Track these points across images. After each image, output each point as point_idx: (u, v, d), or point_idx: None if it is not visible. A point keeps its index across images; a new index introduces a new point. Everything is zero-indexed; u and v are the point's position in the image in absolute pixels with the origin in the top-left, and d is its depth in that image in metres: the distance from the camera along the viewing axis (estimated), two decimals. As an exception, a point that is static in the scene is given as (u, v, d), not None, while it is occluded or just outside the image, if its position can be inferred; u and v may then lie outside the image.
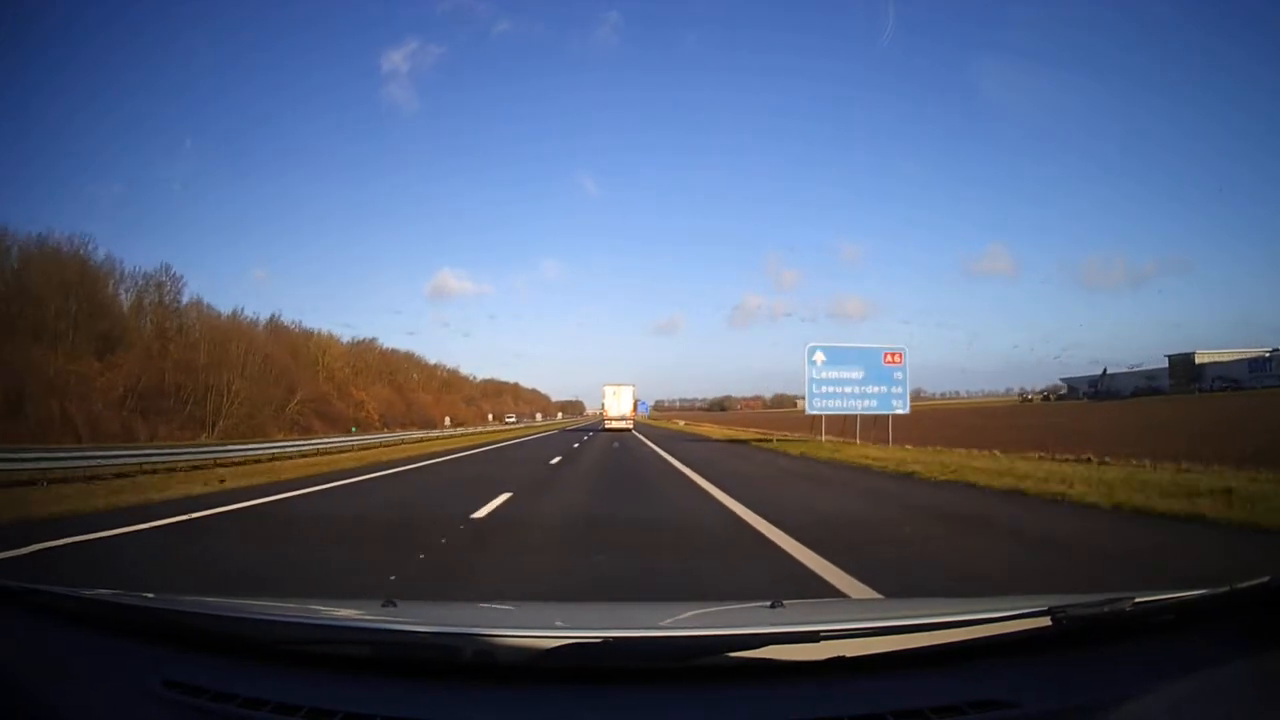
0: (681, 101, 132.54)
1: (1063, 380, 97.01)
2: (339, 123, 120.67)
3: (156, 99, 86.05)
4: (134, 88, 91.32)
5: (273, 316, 60.39)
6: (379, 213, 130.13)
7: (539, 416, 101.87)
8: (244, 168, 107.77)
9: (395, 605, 1.77)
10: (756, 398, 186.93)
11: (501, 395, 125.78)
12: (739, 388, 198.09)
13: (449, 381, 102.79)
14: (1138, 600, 1.40)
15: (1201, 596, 1.43)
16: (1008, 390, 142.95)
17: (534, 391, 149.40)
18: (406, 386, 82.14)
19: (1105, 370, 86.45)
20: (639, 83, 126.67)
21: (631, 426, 51.43)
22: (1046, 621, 1.35)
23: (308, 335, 65.66)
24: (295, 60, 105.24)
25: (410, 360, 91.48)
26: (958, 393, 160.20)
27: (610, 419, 52.31)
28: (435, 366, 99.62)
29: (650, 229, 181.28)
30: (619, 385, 54.92)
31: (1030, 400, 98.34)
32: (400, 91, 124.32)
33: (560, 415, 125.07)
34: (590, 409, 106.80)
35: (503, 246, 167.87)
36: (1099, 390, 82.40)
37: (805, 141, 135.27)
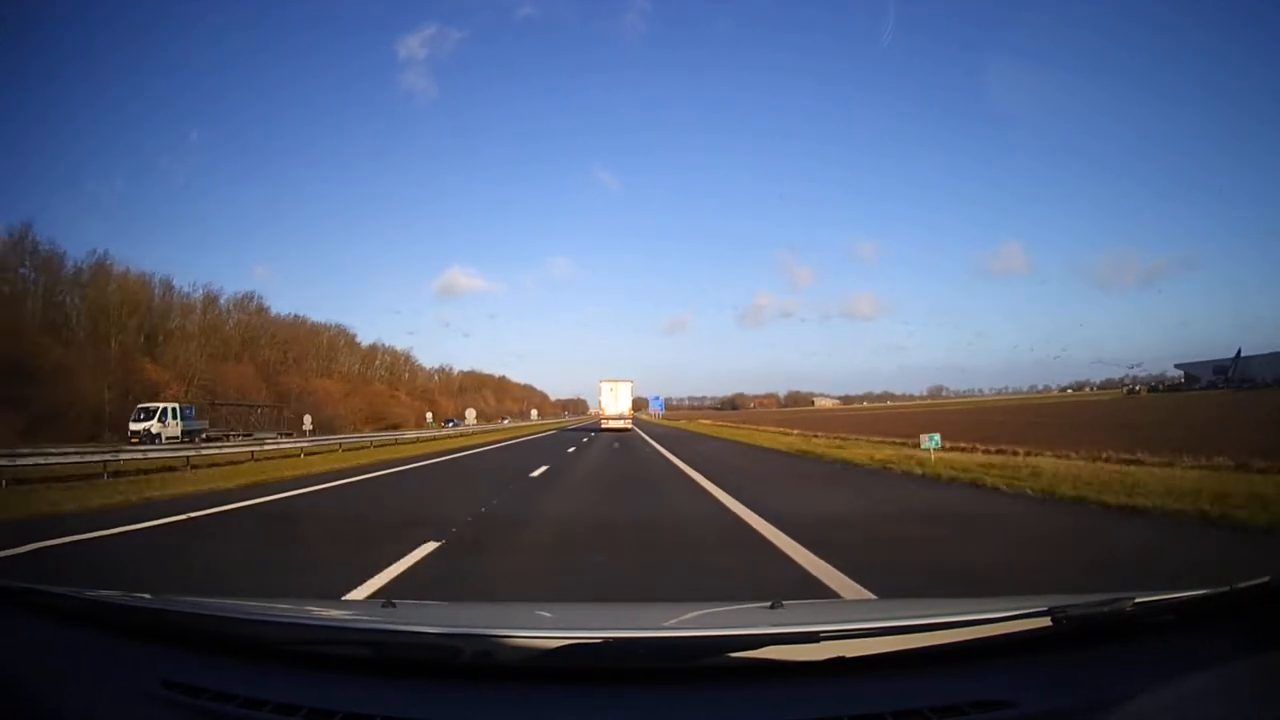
0: (698, 100, 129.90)
1: (1178, 367, 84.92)
2: (348, 118, 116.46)
3: (161, 93, 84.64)
4: (138, 81, 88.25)
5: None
6: (388, 209, 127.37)
7: (469, 416, 55.89)
8: (248, 164, 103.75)
9: (395, 606, 1.76)
10: (770, 395, 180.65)
11: (482, 390, 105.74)
12: (748, 386, 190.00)
13: (396, 368, 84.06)
14: (1138, 600, 1.40)
15: (1201, 596, 1.42)
16: (1031, 387, 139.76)
17: (527, 388, 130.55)
18: (297, 370, 60.84)
19: (1240, 352, 71.59)
20: (661, 80, 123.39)
21: (631, 425, 47.92)
22: (1046, 622, 1.34)
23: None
24: (303, 50, 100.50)
25: (320, 334, 70.03)
26: (980, 390, 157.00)
27: (607, 418, 48.24)
28: (374, 348, 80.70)
29: (657, 228, 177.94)
30: (616, 381, 49.89)
31: (1138, 393, 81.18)
32: (417, 80, 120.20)
33: (535, 414, 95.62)
34: (593, 408, 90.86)
35: (512, 243, 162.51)
36: (1230, 378, 64.99)
37: (814, 141, 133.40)
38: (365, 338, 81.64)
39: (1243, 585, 1.39)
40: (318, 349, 69.88)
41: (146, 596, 1.78)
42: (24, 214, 67.39)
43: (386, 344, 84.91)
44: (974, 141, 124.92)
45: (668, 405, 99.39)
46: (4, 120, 64.63)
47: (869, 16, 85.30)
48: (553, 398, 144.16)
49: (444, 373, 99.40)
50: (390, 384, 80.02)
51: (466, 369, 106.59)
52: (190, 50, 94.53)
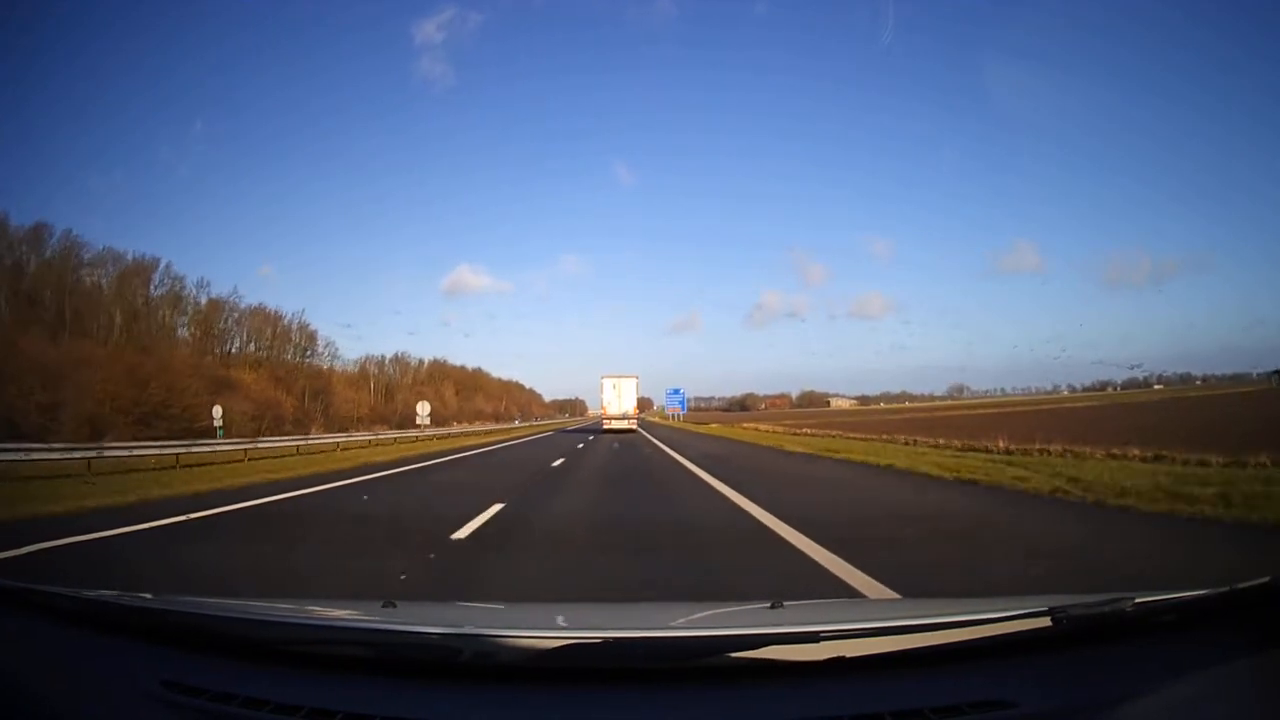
0: (717, 100, 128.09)
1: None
2: (352, 114, 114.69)
3: (163, 85, 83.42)
4: (138, 73, 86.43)
5: None
6: (396, 206, 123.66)
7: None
8: (253, 158, 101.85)
9: (395, 606, 1.76)
10: (782, 395, 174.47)
11: (440, 383, 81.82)
12: (759, 386, 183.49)
13: (278, 343, 57.70)
14: (1138, 600, 1.40)
15: (1202, 597, 1.43)
16: (1055, 387, 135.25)
17: (511, 385, 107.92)
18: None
19: None
20: (681, 77, 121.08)
21: (635, 426, 44.28)
22: (1047, 622, 1.35)
23: None
24: (311, 37, 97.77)
25: (97, 266, 45.09)
26: (1002, 389, 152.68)
27: (609, 418, 44.24)
28: (220, 303, 53.05)
29: (668, 227, 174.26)
30: (620, 377, 45.25)
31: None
32: (433, 66, 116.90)
33: (423, 411, 39.57)
34: (592, 409, 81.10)
35: (522, 241, 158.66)
36: None
37: (827, 141, 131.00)
38: (368, 338, 66.89)
39: (1243, 586, 1.39)
40: (64, 289, 43.34)
41: (146, 596, 1.77)
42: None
43: (252, 301, 56.77)
44: (984, 143, 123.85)
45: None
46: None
47: (873, 17, 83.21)
48: (547, 398, 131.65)
49: (400, 360, 77.08)
50: (247, 364, 53.28)
51: (431, 358, 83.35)
52: (194, 42, 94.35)
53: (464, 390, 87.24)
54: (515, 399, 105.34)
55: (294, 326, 60.10)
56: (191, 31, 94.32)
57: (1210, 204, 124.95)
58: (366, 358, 72.09)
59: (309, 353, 60.93)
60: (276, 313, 58.71)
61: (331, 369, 62.01)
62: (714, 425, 55.62)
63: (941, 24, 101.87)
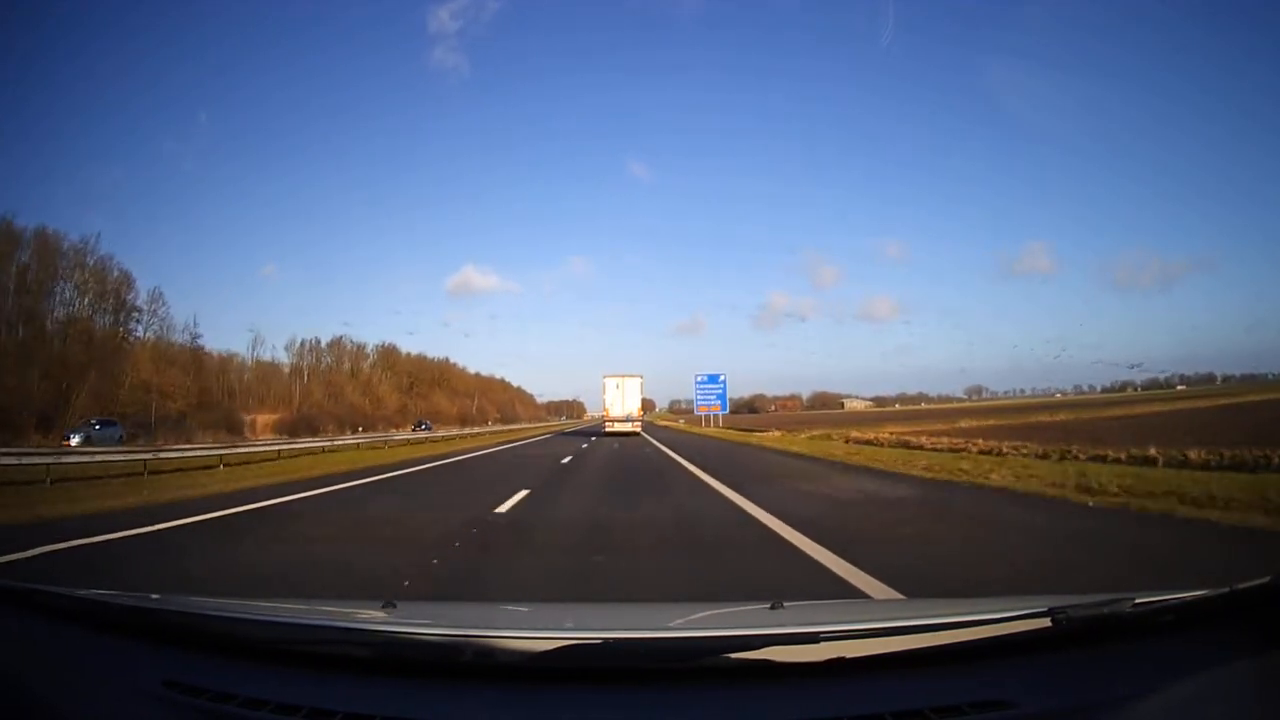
0: (730, 101, 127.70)
1: None
2: (362, 111, 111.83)
3: (166, 80, 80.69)
4: (138, 69, 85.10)
5: None
6: (403, 205, 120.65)
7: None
8: (257, 158, 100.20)
9: (395, 606, 1.77)
10: (793, 397, 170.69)
11: (381, 374, 67.86)
12: (768, 388, 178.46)
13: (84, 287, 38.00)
14: (1138, 601, 1.40)
15: (1202, 597, 1.42)
16: (1075, 387, 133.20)
17: (493, 382, 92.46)
18: None
19: None
20: (695, 81, 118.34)
21: (639, 429, 41.47)
22: (1046, 622, 1.35)
23: None
24: (314, 36, 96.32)
25: None
26: (1021, 390, 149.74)
27: (612, 419, 41.50)
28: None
29: (676, 228, 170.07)
30: (623, 376, 42.04)
31: None
32: (445, 57, 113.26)
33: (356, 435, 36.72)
34: (591, 412, 75.34)
35: (529, 241, 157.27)
36: None
37: (834, 145, 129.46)
38: (370, 340, 62.90)
39: (1243, 586, 1.38)
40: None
41: (148, 596, 1.78)
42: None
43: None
44: (992, 145, 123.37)
45: (677, 409, 57.55)
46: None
47: (869, 17, 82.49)
48: (546, 399, 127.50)
49: (338, 346, 62.31)
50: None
51: (378, 343, 68.65)
52: (198, 36, 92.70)
53: (418, 385, 71.32)
54: (493, 398, 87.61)
55: (93, 265, 36.18)
56: (195, 27, 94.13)
57: (1213, 205, 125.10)
58: (299, 341, 60.33)
59: (128, 316, 40.80)
60: (38, 237, 34.93)
61: (124, 339, 40.06)
62: (774, 433, 35.02)
63: (950, 27, 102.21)
